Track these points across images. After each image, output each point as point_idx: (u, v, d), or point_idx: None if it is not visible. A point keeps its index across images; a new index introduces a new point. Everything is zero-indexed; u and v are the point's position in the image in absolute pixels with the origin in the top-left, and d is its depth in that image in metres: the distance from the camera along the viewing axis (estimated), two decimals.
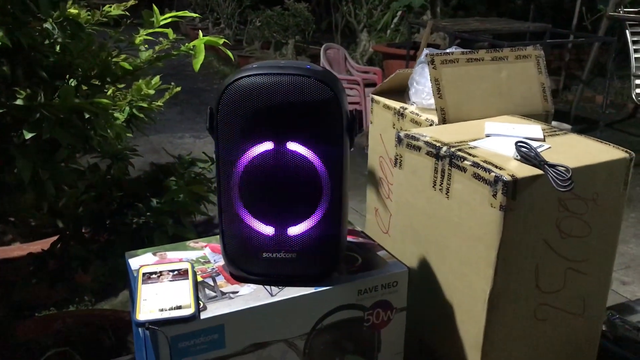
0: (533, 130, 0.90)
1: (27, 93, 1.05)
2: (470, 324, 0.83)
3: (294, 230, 0.78)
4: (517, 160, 0.79)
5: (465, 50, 1.04)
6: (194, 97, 5.80)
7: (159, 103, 1.49)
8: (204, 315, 0.72)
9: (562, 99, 5.96)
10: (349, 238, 0.91)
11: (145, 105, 1.44)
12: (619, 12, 4.58)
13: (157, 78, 1.44)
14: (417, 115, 1.04)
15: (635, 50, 4.22)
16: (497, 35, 5.15)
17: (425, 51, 1.03)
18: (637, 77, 4.16)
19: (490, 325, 0.80)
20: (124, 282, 0.84)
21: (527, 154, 0.78)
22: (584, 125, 4.95)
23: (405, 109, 1.07)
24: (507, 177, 0.74)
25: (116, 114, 1.38)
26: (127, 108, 1.42)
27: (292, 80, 0.72)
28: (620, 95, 5.71)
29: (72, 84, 1.19)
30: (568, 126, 4.23)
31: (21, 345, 1.41)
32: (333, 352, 0.82)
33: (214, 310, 0.73)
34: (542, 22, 5.67)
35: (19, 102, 1.02)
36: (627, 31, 4.22)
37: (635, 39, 4.26)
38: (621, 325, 1.06)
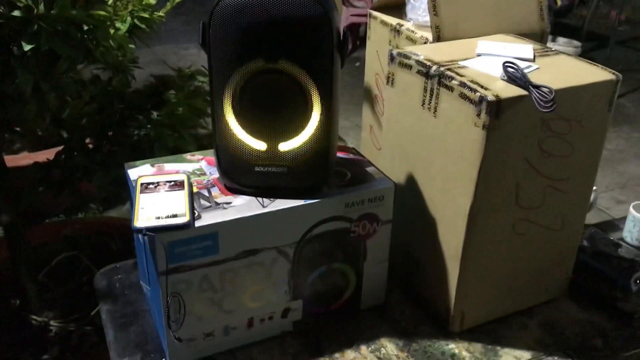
0: (524, 50, 0.90)
1: (25, 4, 1.05)
2: (452, 237, 0.87)
3: (285, 146, 0.81)
4: (504, 80, 0.80)
5: None
6: (200, 5, 5.65)
7: (161, 13, 1.48)
8: (198, 224, 0.77)
9: (577, 15, 5.78)
10: (340, 154, 0.94)
11: (146, 15, 1.43)
12: None
13: None
14: (413, 32, 1.04)
15: None
16: None
17: None
18: None
19: (469, 238, 0.85)
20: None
21: (513, 75, 0.79)
22: (596, 42, 4.83)
23: (402, 25, 1.07)
24: (491, 97, 0.75)
25: (118, 24, 1.37)
26: (129, 18, 1.41)
27: None
28: (639, 11, 5.52)
29: None
30: (578, 43, 4.14)
31: (32, 249, 1.48)
32: (321, 259, 0.88)
33: (208, 219, 0.78)
34: None
35: (16, 13, 1.02)
36: None
37: None
38: (601, 240, 1.11)
